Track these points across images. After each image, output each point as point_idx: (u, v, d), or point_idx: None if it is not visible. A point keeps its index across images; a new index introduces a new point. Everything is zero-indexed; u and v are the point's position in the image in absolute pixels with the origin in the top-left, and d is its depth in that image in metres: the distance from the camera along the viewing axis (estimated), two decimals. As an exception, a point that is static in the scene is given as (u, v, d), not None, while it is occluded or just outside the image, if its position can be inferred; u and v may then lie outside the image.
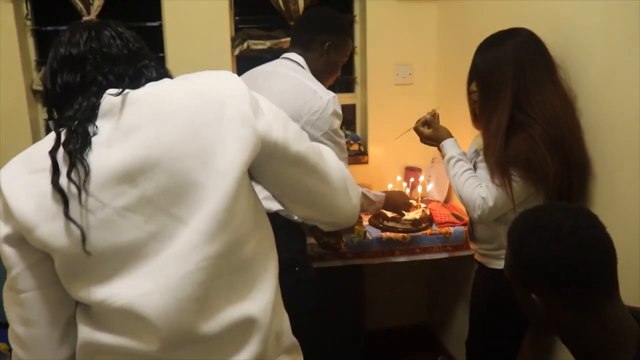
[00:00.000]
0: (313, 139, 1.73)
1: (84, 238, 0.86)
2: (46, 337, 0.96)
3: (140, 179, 0.86)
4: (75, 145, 0.86)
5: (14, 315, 0.96)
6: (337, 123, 1.79)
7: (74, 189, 0.85)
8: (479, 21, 2.32)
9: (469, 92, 1.78)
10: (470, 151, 1.88)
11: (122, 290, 0.88)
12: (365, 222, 2.39)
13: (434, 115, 1.96)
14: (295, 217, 1.80)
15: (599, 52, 1.58)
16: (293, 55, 1.91)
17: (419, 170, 2.73)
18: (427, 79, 2.80)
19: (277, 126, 0.95)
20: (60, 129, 0.89)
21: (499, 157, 1.61)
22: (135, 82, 0.94)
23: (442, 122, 1.99)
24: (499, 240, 1.75)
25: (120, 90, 0.90)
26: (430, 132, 1.93)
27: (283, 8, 2.58)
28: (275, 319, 0.98)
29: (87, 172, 0.85)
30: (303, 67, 1.88)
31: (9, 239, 0.91)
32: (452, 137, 1.89)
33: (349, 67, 2.84)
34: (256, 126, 0.90)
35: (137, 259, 0.88)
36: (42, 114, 2.63)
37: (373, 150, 2.84)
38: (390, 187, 2.51)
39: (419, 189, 2.50)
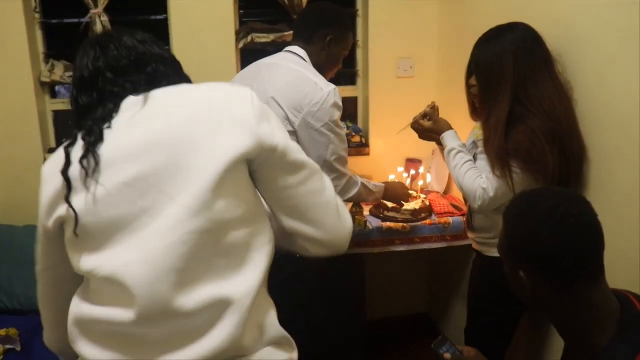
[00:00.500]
0: (314, 129, 1.79)
1: (77, 221, 0.96)
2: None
3: (142, 157, 0.95)
4: (90, 139, 0.96)
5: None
6: (338, 114, 1.84)
7: (82, 174, 0.96)
8: (479, 16, 2.36)
9: (468, 86, 1.82)
10: (469, 142, 1.92)
11: (109, 260, 0.96)
12: (366, 212, 2.43)
13: (434, 108, 1.99)
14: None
15: (595, 46, 1.61)
16: (295, 49, 1.95)
17: (420, 161, 2.78)
18: (427, 73, 2.84)
19: (280, 135, 1.02)
20: (80, 131, 0.99)
21: (500, 150, 1.64)
22: (153, 85, 1.03)
23: (442, 114, 2.03)
24: (497, 229, 1.78)
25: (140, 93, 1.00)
26: (431, 124, 1.96)
27: (287, 2, 2.62)
28: (257, 309, 1.00)
29: (97, 162, 0.96)
30: (305, 60, 1.92)
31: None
32: (452, 129, 1.93)
33: (351, 60, 2.88)
34: (257, 130, 0.97)
35: (127, 232, 0.95)
36: (50, 105, 2.68)
37: (374, 142, 2.88)
38: (392, 177, 2.55)
39: (420, 181, 2.55)
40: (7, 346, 2.01)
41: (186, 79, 1.10)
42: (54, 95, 2.72)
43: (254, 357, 0.99)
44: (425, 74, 2.84)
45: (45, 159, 2.57)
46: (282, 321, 1.09)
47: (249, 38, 2.67)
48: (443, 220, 2.39)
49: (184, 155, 0.94)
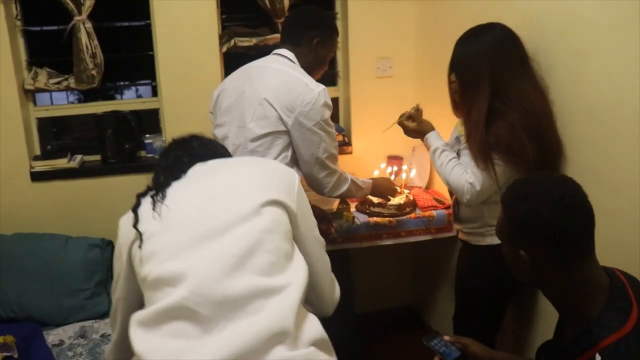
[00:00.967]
0: (306, 128, 1.86)
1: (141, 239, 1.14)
2: None
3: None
4: (157, 197, 1.19)
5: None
6: (328, 113, 1.91)
7: (150, 206, 1.18)
8: (454, 16, 2.45)
9: (449, 82, 1.91)
10: (452, 138, 2.01)
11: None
12: (353, 209, 2.51)
13: (418, 110, 2.08)
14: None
15: (569, 44, 1.71)
16: (283, 51, 2.01)
17: (401, 158, 2.86)
18: (406, 72, 2.93)
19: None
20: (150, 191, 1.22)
21: (481, 144, 1.73)
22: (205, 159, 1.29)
23: (423, 113, 2.11)
24: (483, 219, 1.88)
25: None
26: (415, 125, 2.04)
27: (269, 6, 2.67)
28: (300, 308, 1.09)
29: (163, 197, 1.19)
30: (294, 62, 1.98)
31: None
32: (434, 129, 2.02)
33: (331, 62, 2.95)
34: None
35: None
36: (34, 112, 2.68)
37: (356, 140, 2.96)
38: (376, 173, 2.63)
39: (403, 175, 2.63)
40: (5, 353, 2.01)
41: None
42: (37, 102, 2.71)
43: (298, 353, 1.04)
44: (403, 73, 2.93)
45: (30, 167, 2.59)
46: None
47: (232, 42, 2.72)
48: (427, 213, 2.48)
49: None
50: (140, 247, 1.12)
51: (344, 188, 2.05)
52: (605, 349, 1.05)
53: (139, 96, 3.40)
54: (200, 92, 2.59)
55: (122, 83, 3.29)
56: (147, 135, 2.81)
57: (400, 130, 2.11)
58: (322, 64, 2.07)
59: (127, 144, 2.72)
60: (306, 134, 1.87)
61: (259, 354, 1.00)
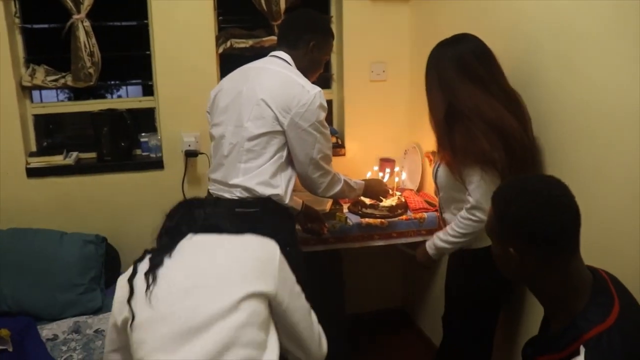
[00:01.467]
0: (302, 129, 1.90)
1: (133, 317, 1.25)
2: None
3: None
4: (154, 264, 1.30)
5: None
6: (323, 115, 1.95)
7: (144, 284, 1.27)
8: (449, 21, 2.50)
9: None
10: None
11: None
12: (345, 209, 2.55)
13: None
14: (285, 202, 1.96)
15: (557, 50, 1.76)
16: (280, 53, 2.05)
17: (393, 161, 2.91)
18: (400, 76, 2.97)
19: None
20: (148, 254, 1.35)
21: (451, 160, 1.81)
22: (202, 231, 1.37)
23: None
24: None
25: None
26: (418, 255, 2.09)
27: (265, 9, 2.72)
28: None
29: (154, 279, 1.28)
30: (290, 64, 2.02)
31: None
32: (429, 248, 2.02)
33: (326, 65, 2.98)
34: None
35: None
36: (31, 109, 2.70)
37: (349, 143, 3.00)
38: (369, 175, 2.68)
39: (395, 179, 2.68)
40: (0, 347, 2.03)
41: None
42: (34, 99, 2.74)
43: None
44: (397, 77, 2.97)
45: (26, 163, 2.61)
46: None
47: (228, 43, 2.76)
48: (418, 215, 2.53)
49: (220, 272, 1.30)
50: (131, 326, 1.25)
51: (337, 188, 2.09)
52: (589, 341, 1.10)
53: (135, 95, 3.42)
54: (195, 92, 2.62)
55: (118, 82, 3.31)
56: (143, 134, 2.84)
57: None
58: (318, 66, 2.12)
59: (123, 142, 2.75)
60: (301, 134, 1.91)
61: None
